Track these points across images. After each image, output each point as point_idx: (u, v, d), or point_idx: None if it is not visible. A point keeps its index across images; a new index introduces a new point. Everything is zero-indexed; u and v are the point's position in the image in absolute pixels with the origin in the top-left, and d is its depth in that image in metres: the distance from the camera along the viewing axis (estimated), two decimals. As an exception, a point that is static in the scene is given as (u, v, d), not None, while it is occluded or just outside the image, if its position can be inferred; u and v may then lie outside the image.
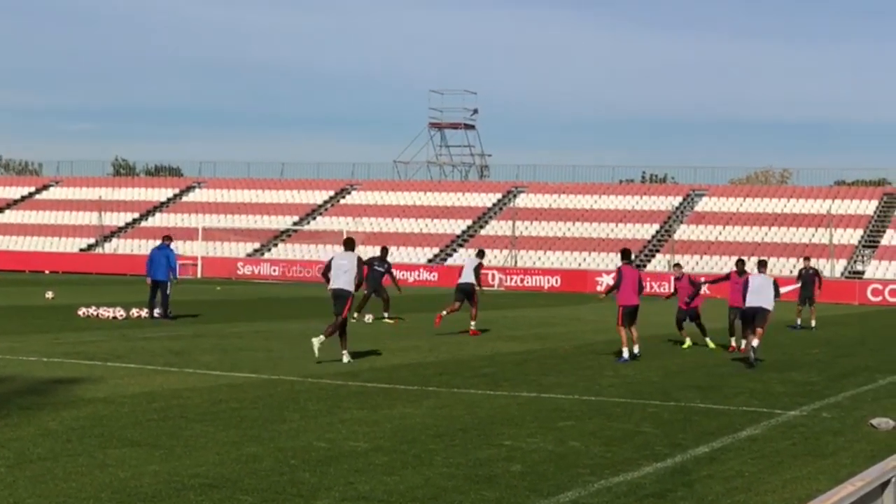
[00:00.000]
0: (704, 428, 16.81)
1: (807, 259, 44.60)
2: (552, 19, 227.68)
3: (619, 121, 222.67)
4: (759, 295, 27.24)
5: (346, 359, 24.48)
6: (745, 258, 32.27)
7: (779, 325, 37.92)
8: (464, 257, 34.19)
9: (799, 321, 40.66)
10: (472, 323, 33.36)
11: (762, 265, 28.91)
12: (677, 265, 33.38)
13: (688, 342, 31.00)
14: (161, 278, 36.31)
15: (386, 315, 38.17)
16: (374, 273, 37.93)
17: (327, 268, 25.16)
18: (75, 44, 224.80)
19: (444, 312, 33.31)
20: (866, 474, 6.30)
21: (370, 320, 37.65)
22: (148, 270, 36.60)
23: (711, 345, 30.90)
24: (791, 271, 72.98)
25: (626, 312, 26.87)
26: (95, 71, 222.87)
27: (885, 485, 6.42)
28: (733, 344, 30.00)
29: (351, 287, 24.77)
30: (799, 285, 41.98)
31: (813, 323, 40.44)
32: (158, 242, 37.81)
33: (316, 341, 24.30)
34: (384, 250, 39.87)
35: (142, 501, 11.13)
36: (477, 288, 33.71)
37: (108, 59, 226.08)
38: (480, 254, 35.32)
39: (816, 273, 42.20)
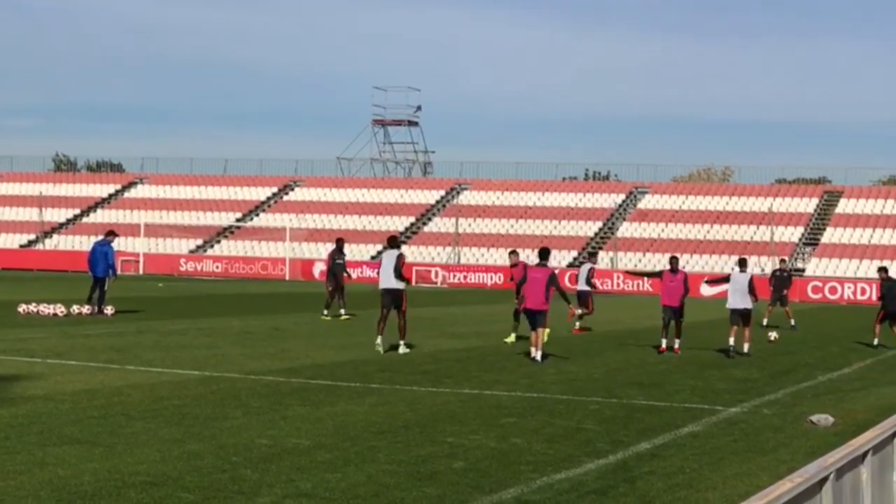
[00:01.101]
0: (646, 425, 16.88)
1: (783, 261, 44.99)
2: (496, 17, 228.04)
3: (562, 118, 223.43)
4: (743, 295, 28.78)
5: (402, 349, 26.25)
6: (678, 255, 31.44)
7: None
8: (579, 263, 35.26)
9: (766, 320, 40.63)
10: (578, 323, 34.85)
11: (742, 264, 30.02)
12: (513, 252, 32.53)
13: (511, 337, 30.23)
14: (98, 274, 36.20)
15: (343, 311, 38.09)
16: (336, 266, 38.14)
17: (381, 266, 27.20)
18: (14, 39, 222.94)
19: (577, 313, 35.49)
20: (805, 471, 6.35)
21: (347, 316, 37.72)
22: (89, 266, 36.56)
23: (511, 339, 30.04)
24: (733, 268, 73.34)
25: (528, 315, 25.78)
26: (35, 67, 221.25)
27: (823, 481, 6.47)
28: (663, 345, 28.83)
29: (399, 284, 26.42)
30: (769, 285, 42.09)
31: (792, 322, 40.14)
32: (100, 237, 37.67)
33: (378, 346, 26.10)
34: (340, 242, 39.73)
35: (81, 500, 11.05)
36: (590, 289, 35.51)
37: (49, 55, 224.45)
38: (592, 258, 36.70)
39: (790, 275, 42.34)
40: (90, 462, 12.69)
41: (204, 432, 14.82)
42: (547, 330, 29.83)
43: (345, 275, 38.78)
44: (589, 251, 36.57)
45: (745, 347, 28.63)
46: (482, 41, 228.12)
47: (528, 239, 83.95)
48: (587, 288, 35.32)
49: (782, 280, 41.44)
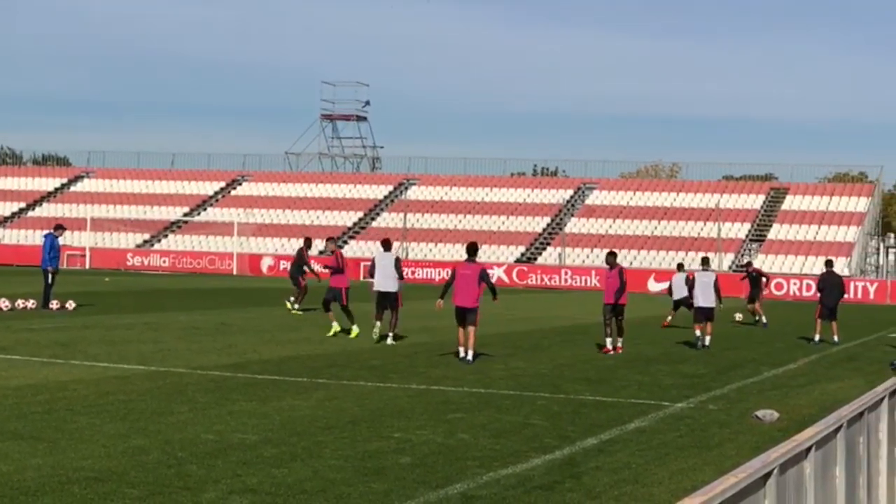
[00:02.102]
0: (593, 420, 16.94)
1: (749, 263, 45.49)
2: (445, 12, 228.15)
3: (510, 114, 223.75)
4: (706, 294, 30.12)
5: (389, 340, 27.89)
6: (616, 251, 30.86)
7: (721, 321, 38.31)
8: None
9: (739, 316, 41.00)
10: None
11: (706, 262, 31.42)
12: (330, 239, 32.43)
13: (334, 327, 29.58)
14: (42, 267, 36.22)
15: (293, 301, 38.45)
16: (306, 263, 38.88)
17: (372, 267, 28.58)
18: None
19: (669, 319, 37.57)
20: (749, 466, 6.37)
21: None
22: None
23: (354, 333, 29.29)
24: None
25: (458, 313, 24.54)
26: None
27: (767, 476, 6.49)
28: (608, 346, 27.98)
29: (395, 286, 28.14)
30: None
31: (763, 319, 40.24)
32: (45, 232, 37.62)
33: (389, 340, 27.90)
34: (309, 241, 40.13)
35: (24, 495, 10.96)
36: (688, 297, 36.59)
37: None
38: (680, 267, 39.03)
39: (758, 274, 42.49)
40: (34, 457, 12.60)
41: (149, 427, 14.75)
42: (356, 329, 29.42)
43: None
44: (678, 263, 38.81)
45: (707, 340, 29.96)
46: (431, 36, 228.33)
47: (477, 234, 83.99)
48: (686, 294, 36.22)
49: (754, 280, 41.65)
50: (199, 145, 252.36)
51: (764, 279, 41.96)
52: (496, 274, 74.74)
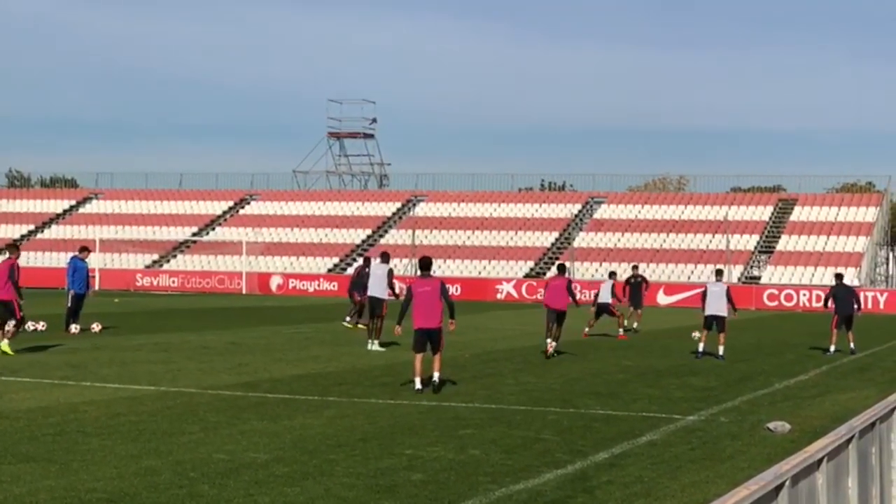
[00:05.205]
0: (604, 434, 16.92)
1: (635, 267, 45.56)
2: (450, 28, 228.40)
3: (517, 129, 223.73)
4: (718, 303, 31.00)
5: (373, 347, 30.52)
6: (566, 263, 32.74)
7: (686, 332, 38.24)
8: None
9: (627, 322, 41.21)
10: (621, 330, 38.82)
11: (719, 274, 32.70)
12: (13, 245, 32.02)
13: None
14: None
15: (350, 320, 38.51)
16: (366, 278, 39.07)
17: (366, 276, 32.80)
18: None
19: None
20: (761, 478, 6.38)
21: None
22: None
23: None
24: (689, 277, 73.84)
25: (420, 336, 21.92)
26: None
27: (779, 488, 6.50)
28: (549, 347, 29.73)
29: (385, 294, 31.27)
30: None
31: (635, 325, 41.06)
32: (70, 255, 38.01)
33: (375, 347, 30.50)
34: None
35: (38, 517, 10.99)
36: (611, 301, 37.99)
37: (0, 69, 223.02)
38: (613, 276, 39.83)
39: (643, 280, 43.06)
40: (46, 480, 12.61)
41: (161, 448, 14.76)
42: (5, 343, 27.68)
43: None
44: (610, 272, 39.22)
45: (720, 350, 30.54)
46: (437, 53, 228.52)
47: (486, 250, 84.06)
48: (610, 300, 37.76)
49: (636, 286, 42.12)
50: (206, 165, 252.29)
51: (645, 286, 42.74)
52: (506, 289, 74.81)
